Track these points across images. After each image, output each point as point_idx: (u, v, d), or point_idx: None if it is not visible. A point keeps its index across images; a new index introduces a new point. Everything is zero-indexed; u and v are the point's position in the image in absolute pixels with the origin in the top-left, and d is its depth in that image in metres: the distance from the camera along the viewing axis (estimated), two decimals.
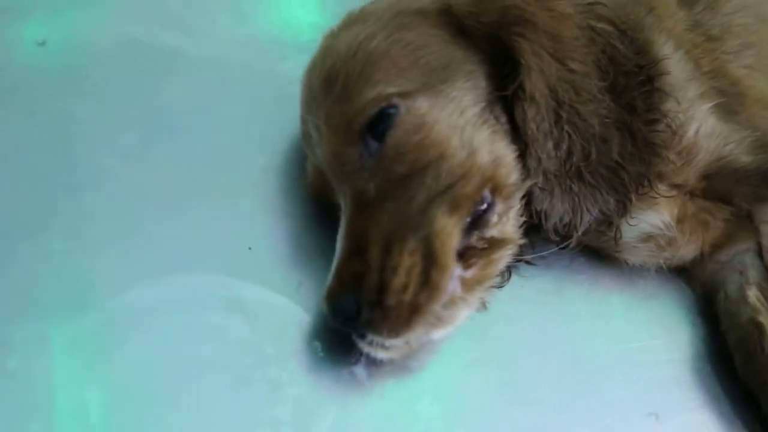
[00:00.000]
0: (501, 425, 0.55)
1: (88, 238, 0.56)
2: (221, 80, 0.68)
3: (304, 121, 0.58)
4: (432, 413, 0.54)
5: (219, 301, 0.55)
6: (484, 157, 0.52)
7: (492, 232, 0.53)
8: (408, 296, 0.48)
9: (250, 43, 0.72)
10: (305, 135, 0.58)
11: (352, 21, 0.57)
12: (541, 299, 0.62)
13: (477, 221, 0.52)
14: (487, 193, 0.53)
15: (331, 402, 0.52)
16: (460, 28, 0.55)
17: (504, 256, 0.54)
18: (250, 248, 0.58)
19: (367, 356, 0.52)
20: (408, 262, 0.49)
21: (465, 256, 0.51)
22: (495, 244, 0.53)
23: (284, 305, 0.56)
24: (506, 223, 0.54)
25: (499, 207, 0.53)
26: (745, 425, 0.60)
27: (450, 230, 0.50)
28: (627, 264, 0.66)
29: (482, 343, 0.57)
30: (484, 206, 0.53)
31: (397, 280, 0.48)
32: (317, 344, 0.54)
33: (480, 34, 0.55)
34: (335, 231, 0.56)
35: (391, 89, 0.52)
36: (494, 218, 0.53)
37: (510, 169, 0.54)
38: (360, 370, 0.54)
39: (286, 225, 0.60)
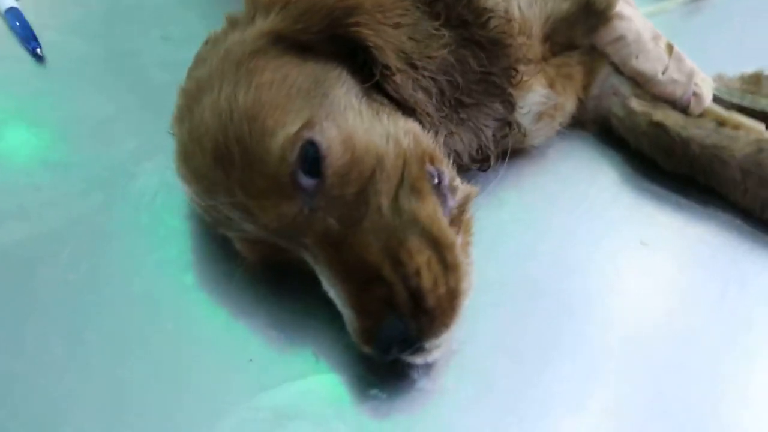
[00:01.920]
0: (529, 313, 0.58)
1: None
2: None
3: (211, 209, 0.54)
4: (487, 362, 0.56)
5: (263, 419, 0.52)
6: (404, 139, 0.53)
7: (458, 195, 0.55)
8: (441, 288, 0.49)
9: None
10: (222, 221, 0.55)
11: (195, 96, 0.54)
12: (490, 221, 0.64)
13: (441, 194, 0.54)
14: (429, 167, 0.54)
15: (423, 418, 0.52)
16: (301, 46, 0.54)
17: (471, 209, 0.56)
18: (251, 360, 0.55)
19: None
20: (422, 259, 0.49)
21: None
22: (464, 203, 0.55)
23: (316, 383, 0.54)
24: (456, 179, 0.56)
25: (445, 172, 0.55)
26: (680, 207, 0.67)
27: (433, 211, 0.51)
28: (534, 148, 0.70)
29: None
30: (437, 179, 0.54)
31: (425, 281, 0.49)
32: (374, 391, 0.53)
33: (320, 42, 0.54)
34: (309, 290, 0.55)
35: (293, 127, 0.50)
36: (447, 182, 0.55)
37: (426, 136, 0.55)
38: (422, 382, 0.54)
39: (255, 322, 0.57)
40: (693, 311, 0.60)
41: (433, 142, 0.56)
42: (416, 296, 0.49)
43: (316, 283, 0.54)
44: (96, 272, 0.60)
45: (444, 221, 0.52)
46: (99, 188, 0.66)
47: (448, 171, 0.55)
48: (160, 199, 0.66)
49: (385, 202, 0.51)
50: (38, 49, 0.77)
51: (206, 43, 0.60)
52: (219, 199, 0.52)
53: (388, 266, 0.49)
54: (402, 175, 0.52)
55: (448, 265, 0.50)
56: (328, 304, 0.55)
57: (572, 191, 0.68)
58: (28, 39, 0.78)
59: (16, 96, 0.75)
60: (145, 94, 0.74)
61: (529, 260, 0.62)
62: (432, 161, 0.54)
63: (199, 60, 0.58)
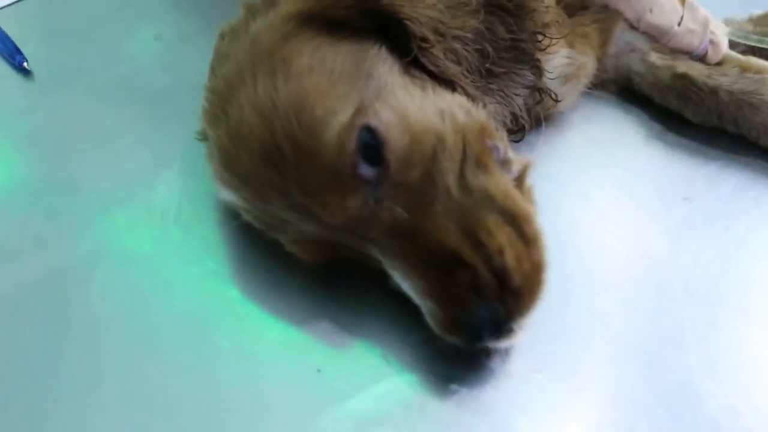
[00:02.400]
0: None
1: None
2: None
3: (264, 213, 0.51)
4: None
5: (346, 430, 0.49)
6: (459, 114, 0.51)
7: (515, 167, 0.53)
8: (526, 264, 0.47)
9: None
10: (275, 225, 0.51)
11: (227, 96, 0.50)
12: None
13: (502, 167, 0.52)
14: (488, 141, 0.51)
15: (513, 408, 0.50)
16: (332, 25, 0.51)
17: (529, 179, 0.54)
18: (318, 370, 0.52)
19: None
20: (503, 236, 0.47)
21: None
22: (523, 174, 0.53)
23: (391, 385, 0.51)
24: (510, 151, 0.54)
25: (501, 144, 0.53)
26: (713, 159, 0.66)
27: (504, 184, 0.49)
28: (560, 113, 0.68)
29: None
30: (495, 153, 0.52)
31: (509, 258, 0.46)
32: (454, 386, 0.51)
33: (352, 18, 0.51)
34: (367, 289, 0.53)
35: (344, 115, 0.46)
36: (503, 155, 0.52)
37: (477, 109, 0.53)
38: (501, 370, 0.52)
39: (314, 329, 0.54)
40: (747, 262, 0.59)
41: (484, 114, 0.53)
42: (501, 276, 0.46)
43: (376, 280, 0.51)
44: (134, 298, 0.56)
45: (517, 193, 0.50)
46: (118, 207, 0.62)
47: (503, 144, 0.53)
48: (185, 210, 0.61)
49: (452, 181, 0.48)
50: (24, 63, 0.72)
51: (223, 37, 0.56)
52: (273, 203, 0.49)
53: (468, 248, 0.47)
54: (464, 151, 0.49)
55: (528, 238, 0.48)
56: (390, 301, 0.53)
57: (605, 153, 0.67)
58: (12, 53, 0.72)
59: (7, 115, 0.70)
60: (146, 100, 0.69)
61: (583, 227, 0.61)
62: (489, 136, 0.52)
63: (222, 55, 0.54)
